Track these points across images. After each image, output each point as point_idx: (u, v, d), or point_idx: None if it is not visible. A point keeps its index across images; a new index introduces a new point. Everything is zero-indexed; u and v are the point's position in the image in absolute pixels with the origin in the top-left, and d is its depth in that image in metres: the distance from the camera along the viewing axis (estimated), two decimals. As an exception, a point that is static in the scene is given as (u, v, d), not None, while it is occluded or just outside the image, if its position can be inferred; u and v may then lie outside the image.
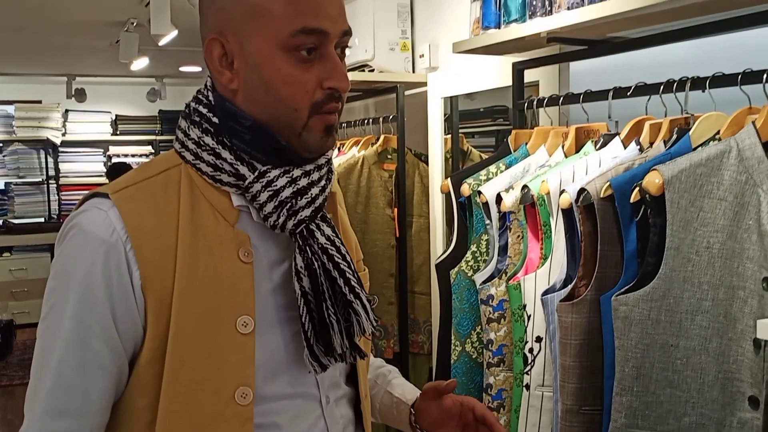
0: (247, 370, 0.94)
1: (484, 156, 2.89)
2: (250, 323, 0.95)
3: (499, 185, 1.88)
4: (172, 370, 0.93)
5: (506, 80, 2.36)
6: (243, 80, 0.96)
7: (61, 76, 6.55)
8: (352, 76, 2.97)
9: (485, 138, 3.18)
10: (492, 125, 3.06)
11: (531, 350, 1.74)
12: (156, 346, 0.93)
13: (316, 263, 0.97)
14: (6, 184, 6.58)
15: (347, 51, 0.99)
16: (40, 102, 6.62)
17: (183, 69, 6.28)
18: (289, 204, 0.96)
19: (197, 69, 6.24)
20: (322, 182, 0.99)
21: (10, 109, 6.48)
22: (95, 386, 0.92)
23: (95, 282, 0.91)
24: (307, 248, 0.97)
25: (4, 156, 6.51)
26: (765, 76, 1.47)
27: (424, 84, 2.97)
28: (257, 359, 0.95)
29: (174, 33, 3.62)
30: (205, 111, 0.99)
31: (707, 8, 1.57)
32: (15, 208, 6.49)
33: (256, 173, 0.96)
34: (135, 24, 4.18)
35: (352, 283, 0.99)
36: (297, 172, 0.97)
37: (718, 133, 1.53)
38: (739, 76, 1.51)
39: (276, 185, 0.95)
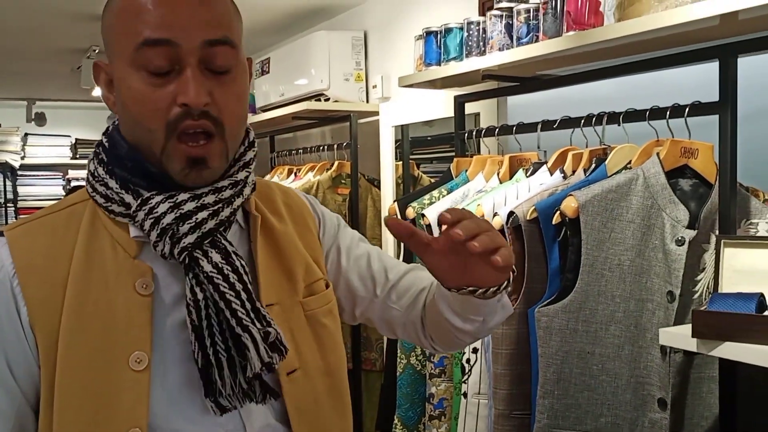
0: (140, 410, 0.87)
1: (433, 181, 3.05)
2: (145, 359, 0.88)
3: (441, 208, 2.04)
4: (60, 411, 0.88)
5: (450, 111, 2.54)
6: (117, 105, 0.93)
7: (21, 100, 6.57)
8: (308, 104, 3.12)
9: (442, 164, 3.33)
10: (449, 151, 3.22)
11: (468, 361, 1.88)
12: (48, 386, 0.88)
13: (200, 294, 0.89)
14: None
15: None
16: (17, 129, 6.63)
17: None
18: (171, 231, 0.89)
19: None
20: (218, 206, 0.91)
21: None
22: None
23: None
24: (194, 278, 0.90)
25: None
26: (668, 113, 1.65)
27: (377, 113, 3.13)
28: (153, 398, 0.88)
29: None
30: (105, 141, 0.96)
31: (618, 52, 1.75)
32: (-29, 232, 6.47)
33: (139, 200, 0.91)
34: (97, 51, 4.27)
35: (239, 314, 0.89)
36: (183, 197, 0.90)
37: (629, 162, 1.71)
38: (647, 113, 1.69)
39: (157, 211, 0.89)
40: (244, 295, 0.90)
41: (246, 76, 0.95)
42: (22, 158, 6.71)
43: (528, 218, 1.70)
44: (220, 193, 0.92)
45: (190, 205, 0.90)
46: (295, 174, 3.45)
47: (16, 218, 6.73)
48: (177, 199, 0.90)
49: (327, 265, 1.10)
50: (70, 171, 6.98)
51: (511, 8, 1.86)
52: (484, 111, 2.42)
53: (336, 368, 1.03)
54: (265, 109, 3.70)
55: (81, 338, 0.88)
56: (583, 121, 1.83)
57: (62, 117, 6.92)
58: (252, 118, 3.75)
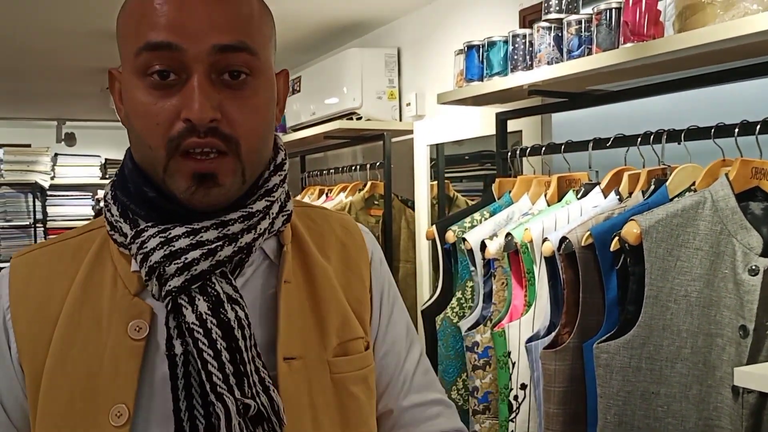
0: None
1: (470, 202, 2.93)
2: (125, 413, 0.76)
3: (483, 233, 1.92)
4: None
5: (490, 129, 2.42)
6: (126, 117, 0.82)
7: (51, 121, 6.59)
8: (341, 123, 3.03)
9: (473, 182, 3.23)
10: (480, 170, 3.11)
11: (516, 397, 1.75)
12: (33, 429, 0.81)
13: (180, 348, 0.76)
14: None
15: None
16: (29, 146, 6.64)
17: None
18: (158, 270, 0.77)
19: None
20: (217, 244, 0.77)
21: (-1, 152, 6.51)
22: None
23: None
24: (176, 328, 0.77)
25: (-9, 200, 6.52)
26: (736, 130, 1.52)
27: (411, 132, 3.03)
28: None
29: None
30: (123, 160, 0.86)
31: (678, 65, 1.63)
32: (0, 252, 6.47)
33: (133, 232, 0.79)
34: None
35: (214, 379, 0.75)
36: (178, 231, 0.77)
37: (693, 184, 1.57)
38: (713, 130, 1.56)
39: (147, 246, 0.77)
40: (226, 356, 0.75)
41: (271, 89, 0.82)
42: (52, 178, 6.72)
43: (583, 244, 1.57)
44: (225, 228, 0.78)
45: (183, 242, 0.77)
46: (327, 194, 3.35)
47: (45, 238, 6.73)
48: (170, 234, 0.77)
49: (372, 326, 0.92)
50: (99, 191, 6.97)
51: (561, 19, 1.74)
52: (527, 128, 2.30)
53: None
54: (296, 129, 3.62)
55: (63, 383, 0.79)
56: (639, 139, 1.71)
57: (92, 137, 6.93)
58: (282, 138, 3.67)
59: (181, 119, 0.75)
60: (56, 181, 6.76)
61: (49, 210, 6.79)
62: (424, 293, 2.82)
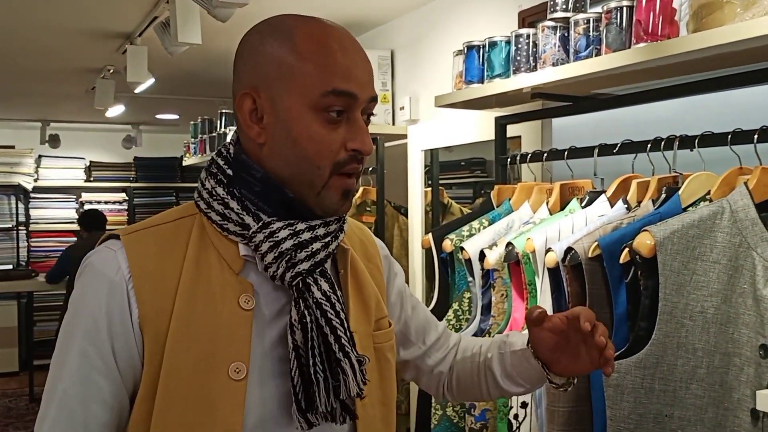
0: (235, 417, 0.94)
1: (465, 209, 2.84)
2: (243, 370, 0.95)
3: (482, 241, 1.83)
4: (160, 411, 0.94)
5: (487, 134, 2.33)
6: (271, 135, 0.99)
7: (35, 122, 6.46)
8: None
9: (463, 189, 3.14)
10: (470, 177, 3.03)
11: (516, 416, 1.65)
12: (149, 383, 0.95)
13: (308, 317, 0.96)
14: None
15: (372, 118, 1.02)
16: (13, 147, 6.50)
17: (159, 116, 6.21)
18: (289, 256, 0.96)
19: (174, 116, 6.19)
20: (327, 238, 1.00)
21: (-16, 153, 6.37)
22: (95, 420, 0.95)
23: (99, 318, 0.96)
24: (302, 302, 0.97)
25: (-23, 202, 6.37)
26: (755, 136, 1.43)
27: (404, 136, 2.93)
28: (247, 408, 0.95)
29: (151, 81, 3.56)
30: (222, 163, 1.02)
31: (692, 67, 1.55)
32: (-17, 255, 6.32)
33: (260, 224, 0.97)
34: (111, 71, 4.12)
35: (342, 341, 0.97)
36: (301, 226, 0.98)
37: (708, 193, 1.49)
38: (729, 136, 1.48)
39: (278, 236, 0.96)
40: (346, 324, 0.98)
41: None
42: (36, 180, 6.59)
43: (590, 255, 1.48)
44: (328, 227, 1.00)
45: (306, 235, 0.97)
46: (316, 200, 3.25)
47: (27, 242, 6.59)
48: (296, 228, 0.97)
49: (389, 307, 1.16)
50: (83, 194, 6.84)
51: (568, 19, 1.65)
52: (527, 134, 2.21)
53: (390, 401, 1.10)
54: (285, 132, 3.52)
55: (187, 345, 0.95)
56: (649, 145, 1.62)
57: (76, 139, 6.80)
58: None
59: (348, 149, 0.96)
60: (39, 183, 6.62)
61: (32, 212, 6.65)
62: (417, 303, 2.72)
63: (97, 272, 0.98)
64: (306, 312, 0.96)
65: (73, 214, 6.74)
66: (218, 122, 4.21)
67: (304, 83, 0.95)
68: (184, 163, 4.97)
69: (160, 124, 6.65)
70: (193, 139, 4.67)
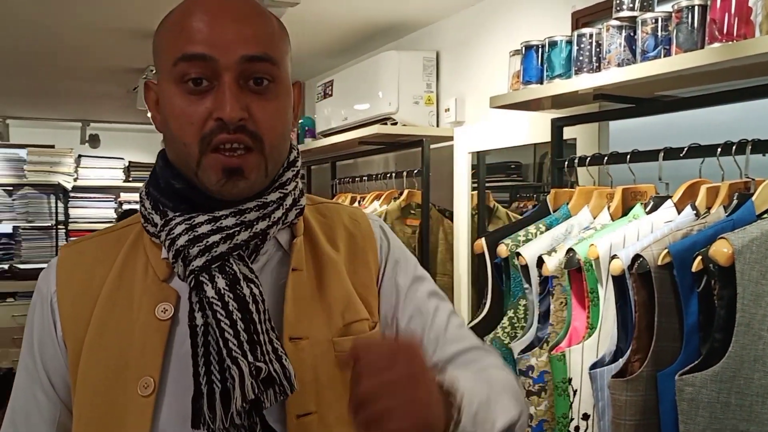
0: None
1: (512, 213, 2.79)
2: (151, 385, 0.88)
3: (539, 247, 1.78)
4: (75, 424, 0.91)
5: (539, 136, 2.28)
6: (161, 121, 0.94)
7: (75, 122, 6.52)
8: (378, 129, 2.90)
9: (499, 193, 3.09)
10: (506, 180, 2.98)
11: (577, 428, 1.60)
12: (73, 398, 0.93)
13: (201, 319, 0.87)
14: (14, 228, 6.48)
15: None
16: (53, 147, 6.57)
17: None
18: (183, 253, 0.88)
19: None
20: (234, 229, 0.88)
21: (22, 152, 6.43)
22: None
23: (33, 333, 0.96)
24: (198, 303, 0.87)
25: (13, 200, 6.43)
26: (839, 140, 1.37)
27: (449, 138, 2.89)
28: (155, 426, 0.87)
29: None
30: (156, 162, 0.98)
31: (764, 69, 1.49)
32: (21, 253, 6.37)
33: (162, 221, 0.91)
34: (154, 71, 4.14)
35: (230, 344, 0.85)
36: (200, 219, 0.89)
37: (785, 199, 1.43)
38: (809, 140, 1.42)
39: (174, 232, 0.89)
40: (240, 325, 0.86)
41: (289, 96, 0.93)
42: (75, 180, 6.66)
43: (659, 263, 1.42)
44: (242, 216, 0.89)
45: (204, 228, 0.88)
46: (359, 202, 3.22)
47: (66, 240, 6.66)
48: (193, 221, 0.89)
49: (381, 310, 1.00)
50: (122, 193, 6.89)
51: (634, 18, 1.60)
52: (583, 136, 2.15)
53: None
54: (326, 134, 3.49)
55: (98, 356, 0.90)
56: (720, 149, 1.56)
57: (116, 139, 6.86)
58: (313, 144, 3.55)
59: (213, 119, 0.85)
60: (79, 183, 6.68)
61: (71, 212, 6.71)
62: (462, 309, 2.67)
63: (37, 288, 0.97)
64: (199, 314, 0.87)
65: (111, 214, 6.80)
66: (259, 123, 4.21)
67: (163, 58, 0.89)
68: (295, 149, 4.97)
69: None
70: (232, 140, 4.67)
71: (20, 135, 6.48)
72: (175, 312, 0.90)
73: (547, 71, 1.81)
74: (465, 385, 0.84)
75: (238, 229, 0.89)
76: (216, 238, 0.88)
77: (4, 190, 6.41)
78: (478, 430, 0.83)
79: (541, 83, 1.84)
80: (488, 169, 2.88)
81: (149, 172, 0.98)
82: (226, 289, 0.87)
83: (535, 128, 2.31)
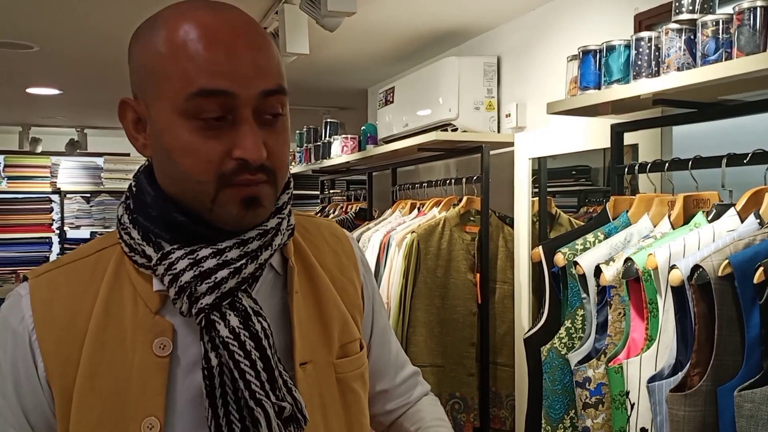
0: None
1: (574, 220, 2.74)
2: (156, 426, 0.83)
3: (597, 256, 1.74)
4: None
5: (600, 142, 2.23)
6: (153, 147, 0.86)
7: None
8: (438, 135, 2.90)
9: (566, 198, 3.03)
10: (574, 185, 2.92)
11: (634, 443, 1.56)
12: None
13: (215, 359, 0.82)
14: (92, 233, 6.75)
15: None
16: (128, 155, 6.82)
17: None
18: (189, 290, 0.83)
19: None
20: (241, 261, 0.84)
21: (99, 161, 6.69)
22: None
23: (5, 371, 0.86)
24: (210, 342, 0.83)
25: (91, 206, 6.70)
26: None
27: (510, 144, 2.86)
28: None
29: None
30: (133, 185, 0.91)
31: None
32: (99, 258, 6.64)
33: (159, 254, 0.84)
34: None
35: (253, 387, 0.82)
36: (204, 252, 0.83)
37: None
38: None
39: (176, 268, 0.83)
40: (260, 364, 0.83)
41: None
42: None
43: (720, 274, 1.38)
44: (245, 246, 0.85)
45: (210, 263, 0.83)
46: (419, 209, 3.22)
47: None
48: (198, 255, 0.83)
49: (365, 324, 1.03)
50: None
51: (694, 20, 1.55)
52: (644, 142, 2.10)
53: None
54: (387, 140, 3.51)
55: (93, 399, 0.84)
56: (787, 155, 1.50)
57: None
58: (374, 150, 3.58)
59: (233, 158, 0.81)
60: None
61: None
62: (523, 318, 2.64)
63: (4, 321, 0.88)
64: (213, 354, 0.82)
65: (182, 219, 7.00)
66: (323, 131, 4.26)
67: (169, 86, 0.80)
68: (290, 172, 5.06)
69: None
70: (298, 148, 4.75)
71: (97, 144, 6.75)
72: (174, 347, 0.85)
73: (604, 76, 1.77)
74: None
75: (244, 261, 0.85)
76: (224, 273, 0.83)
77: (82, 197, 6.68)
78: None
79: (599, 89, 1.80)
80: (553, 173, 2.84)
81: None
82: (240, 327, 0.83)
83: (596, 133, 2.27)
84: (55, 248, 6.39)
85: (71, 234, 6.55)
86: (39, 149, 6.46)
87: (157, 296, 0.86)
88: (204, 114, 0.80)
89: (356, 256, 1.04)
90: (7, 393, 0.86)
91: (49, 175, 6.56)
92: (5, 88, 4.74)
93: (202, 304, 0.82)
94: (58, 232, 6.61)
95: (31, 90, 4.74)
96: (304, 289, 0.93)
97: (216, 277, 0.83)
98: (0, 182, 6.36)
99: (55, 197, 6.62)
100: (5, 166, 6.50)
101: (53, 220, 6.58)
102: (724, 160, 1.63)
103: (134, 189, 0.91)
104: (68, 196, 6.64)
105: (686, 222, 1.68)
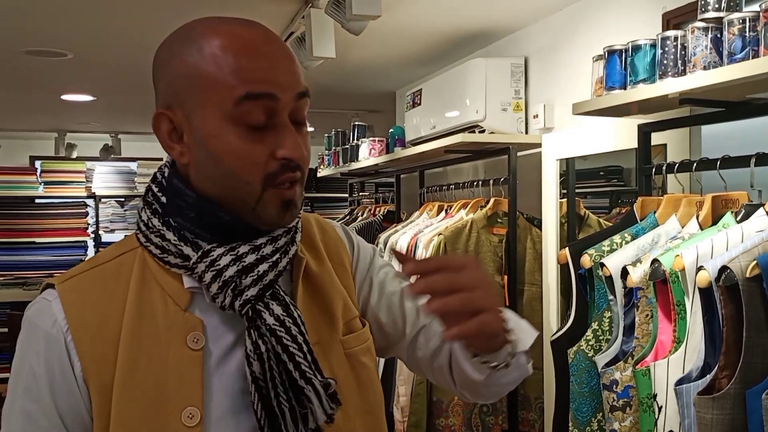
0: None
1: (603, 221, 2.72)
2: (197, 415, 0.89)
3: (624, 258, 1.72)
4: None
5: (628, 142, 2.21)
6: (193, 154, 0.92)
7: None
8: (464, 137, 2.90)
9: (598, 199, 3.01)
10: (606, 186, 2.89)
11: (662, 446, 1.54)
12: None
13: (263, 346, 0.89)
14: (125, 237, 6.87)
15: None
16: (161, 159, 6.91)
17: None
18: (234, 283, 0.90)
19: (309, 129, 6.35)
20: (275, 256, 0.93)
21: (132, 165, 6.80)
22: None
23: (39, 375, 0.90)
24: (255, 330, 0.90)
25: (125, 210, 6.81)
26: None
27: (538, 145, 2.84)
28: None
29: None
30: (156, 190, 0.97)
31: None
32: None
33: (200, 253, 0.91)
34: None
35: (303, 367, 0.90)
36: (244, 249, 0.91)
37: None
38: None
39: (219, 264, 0.90)
40: (305, 348, 0.91)
41: None
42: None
43: (747, 275, 1.36)
44: (276, 242, 0.93)
45: (251, 258, 0.91)
46: (446, 211, 3.21)
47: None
48: (238, 251, 0.91)
49: (359, 301, 1.08)
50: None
51: (720, 19, 1.53)
52: (673, 142, 2.07)
53: (376, 408, 1.02)
54: (415, 143, 3.51)
55: (134, 394, 0.89)
56: (817, 154, 1.47)
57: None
58: (402, 152, 3.58)
59: (277, 158, 0.88)
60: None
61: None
62: (551, 320, 2.62)
63: (34, 326, 0.92)
64: (260, 341, 0.89)
65: (214, 223, 7.07)
66: (351, 134, 4.28)
67: (215, 94, 0.87)
68: (319, 175, 5.08)
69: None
70: (327, 151, 4.77)
71: (131, 149, 6.85)
72: (206, 341, 0.91)
73: (630, 76, 1.76)
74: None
75: (278, 256, 0.93)
76: (265, 267, 0.91)
77: (116, 201, 6.79)
78: (518, 348, 0.95)
79: (625, 89, 1.79)
80: (584, 174, 2.82)
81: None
82: (284, 315, 0.91)
83: (624, 134, 2.24)
84: (90, 252, 6.50)
85: (106, 237, 6.66)
86: (74, 155, 6.59)
87: (186, 294, 0.92)
88: (250, 118, 0.87)
89: (343, 240, 1.09)
90: (41, 397, 0.90)
91: (84, 179, 6.68)
92: (41, 96, 4.85)
93: (247, 296, 0.90)
94: (93, 235, 6.73)
95: (66, 97, 4.84)
96: (305, 279, 0.99)
97: (258, 271, 0.90)
98: (37, 187, 6.50)
99: (90, 201, 6.74)
100: (42, 171, 6.64)
101: (88, 224, 6.70)
102: (753, 160, 1.61)
103: (159, 193, 0.96)
104: (103, 200, 6.76)
105: (714, 222, 1.66)
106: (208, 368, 0.91)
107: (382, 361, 2.90)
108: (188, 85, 0.89)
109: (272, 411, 0.88)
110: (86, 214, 6.72)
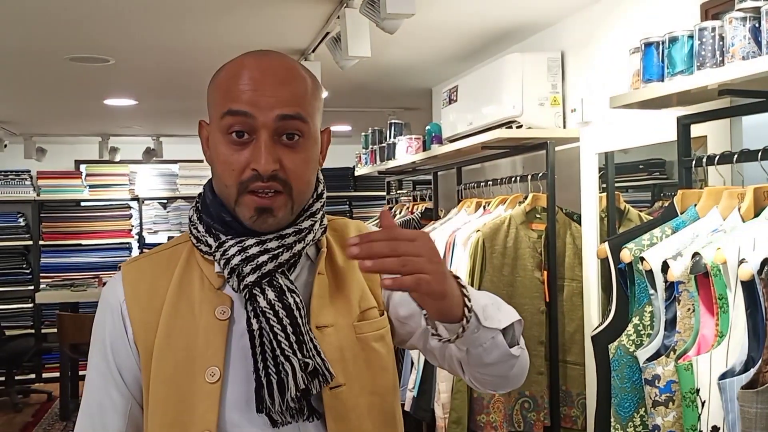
0: (211, 416, 1.05)
1: (643, 215, 2.68)
2: (217, 373, 1.06)
3: (665, 251, 1.71)
4: (149, 413, 1.09)
5: (668, 135, 2.19)
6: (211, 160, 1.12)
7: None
8: (501, 132, 2.89)
9: (640, 192, 2.97)
10: (648, 179, 2.85)
11: (706, 441, 1.53)
12: (145, 392, 1.10)
13: (257, 324, 1.06)
14: (168, 237, 6.99)
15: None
16: (201, 161, 7.01)
17: (333, 128, 6.41)
18: (238, 270, 1.07)
19: (346, 128, 6.40)
20: (279, 251, 1.07)
21: (174, 168, 6.92)
22: (113, 426, 1.12)
23: (105, 339, 1.13)
24: (253, 310, 1.07)
25: (168, 212, 6.94)
26: None
27: (576, 139, 2.83)
28: (222, 407, 1.06)
29: (324, 94, 3.69)
30: (202, 190, 1.16)
31: None
32: (176, 261, 6.86)
33: (217, 243, 1.09)
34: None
35: (283, 345, 1.05)
36: (250, 242, 1.08)
37: None
38: None
39: (228, 254, 1.07)
40: (289, 329, 1.05)
41: (316, 145, 1.11)
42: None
43: (791, 268, 1.34)
44: (283, 240, 1.08)
45: (254, 250, 1.07)
46: (484, 207, 3.21)
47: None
48: (244, 244, 1.08)
49: (384, 296, 1.19)
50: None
51: (759, 8, 1.51)
52: (713, 133, 2.04)
53: (384, 390, 1.14)
54: (452, 140, 3.51)
55: (168, 353, 1.08)
56: None
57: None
58: (439, 150, 3.58)
59: (250, 168, 1.04)
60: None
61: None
62: (592, 316, 2.60)
63: (104, 299, 1.16)
64: (254, 320, 1.06)
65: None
66: (387, 132, 4.29)
67: (214, 110, 1.08)
68: (356, 173, 5.12)
69: (334, 136, 6.83)
70: (364, 150, 4.80)
71: (172, 151, 6.96)
72: (231, 314, 1.09)
73: (668, 68, 1.74)
74: (472, 291, 1.05)
75: (281, 250, 1.08)
76: (264, 258, 1.07)
77: (159, 203, 6.92)
78: (486, 324, 1.03)
79: (662, 81, 1.77)
80: (625, 168, 2.79)
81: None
82: (276, 300, 1.06)
83: (664, 126, 2.22)
84: (134, 253, 6.64)
85: (149, 239, 6.79)
86: (117, 158, 6.73)
87: (217, 276, 1.11)
88: (231, 129, 1.05)
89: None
90: (107, 357, 1.13)
91: (127, 182, 6.82)
92: (85, 101, 4.96)
93: (246, 281, 1.06)
94: (137, 237, 6.86)
95: (108, 101, 4.94)
96: (329, 271, 1.15)
97: (258, 261, 1.06)
98: (82, 190, 6.66)
99: (134, 204, 6.87)
100: (87, 175, 6.79)
101: (132, 225, 6.83)
102: (796, 150, 1.58)
103: (202, 194, 1.17)
104: (146, 202, 6.89)
105: (757, 215, 1.64)
106: (230, 338, 1.08)
107: (422, 358, 2.91)
108: (208, 104, 1.11)
109: (259, 381, 1.04)
110: (130, 216, 6.85)
